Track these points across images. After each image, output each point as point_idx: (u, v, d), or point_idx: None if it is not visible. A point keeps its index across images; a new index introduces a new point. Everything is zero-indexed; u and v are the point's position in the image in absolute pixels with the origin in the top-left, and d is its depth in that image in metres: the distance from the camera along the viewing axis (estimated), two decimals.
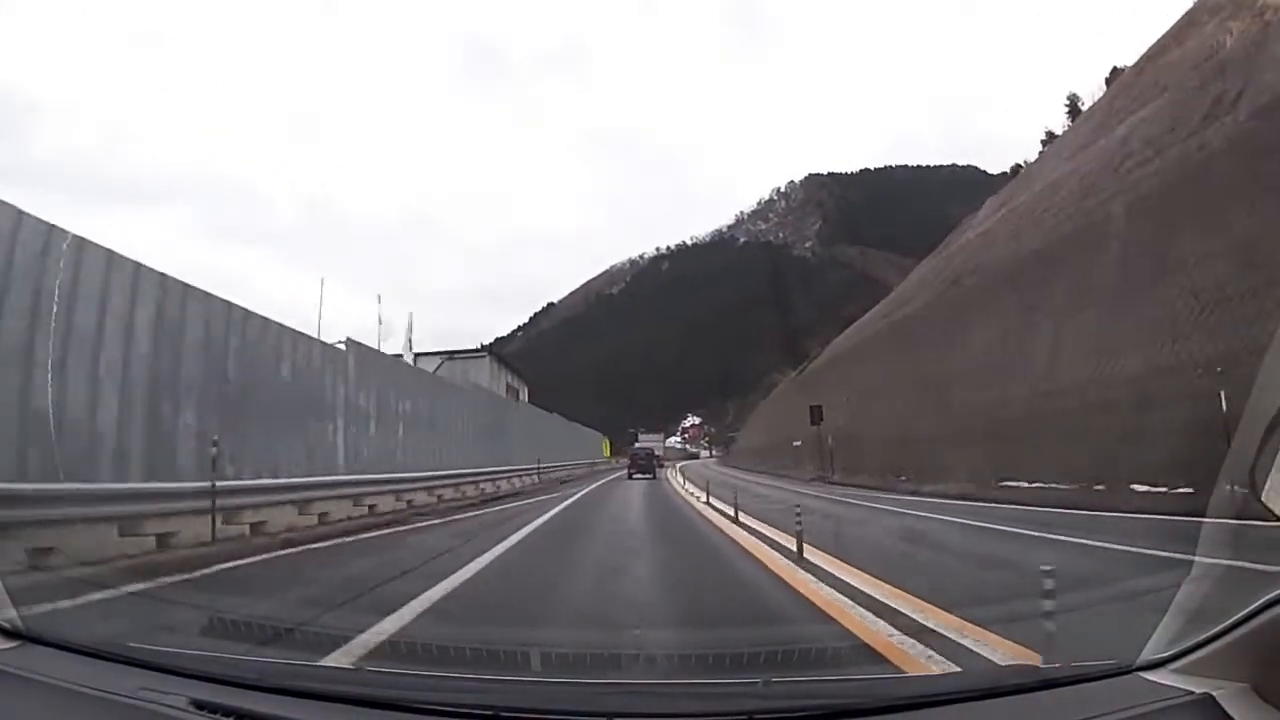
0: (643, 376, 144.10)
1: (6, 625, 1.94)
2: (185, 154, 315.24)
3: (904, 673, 3.22)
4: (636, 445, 47.39)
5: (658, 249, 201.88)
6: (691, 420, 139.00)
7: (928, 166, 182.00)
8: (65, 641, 1.96)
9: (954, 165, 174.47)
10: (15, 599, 2.12)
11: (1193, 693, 1.44)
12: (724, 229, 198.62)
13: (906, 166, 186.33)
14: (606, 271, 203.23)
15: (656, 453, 41.26)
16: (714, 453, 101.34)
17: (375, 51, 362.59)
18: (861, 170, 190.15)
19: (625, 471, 35.43)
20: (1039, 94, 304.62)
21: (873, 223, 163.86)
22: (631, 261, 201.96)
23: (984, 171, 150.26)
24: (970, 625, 3.94)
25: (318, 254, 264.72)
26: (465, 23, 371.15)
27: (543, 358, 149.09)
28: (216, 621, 3.78)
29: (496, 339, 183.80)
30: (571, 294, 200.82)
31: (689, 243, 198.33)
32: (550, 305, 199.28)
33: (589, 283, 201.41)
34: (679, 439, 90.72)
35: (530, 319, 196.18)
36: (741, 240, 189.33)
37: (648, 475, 32.33)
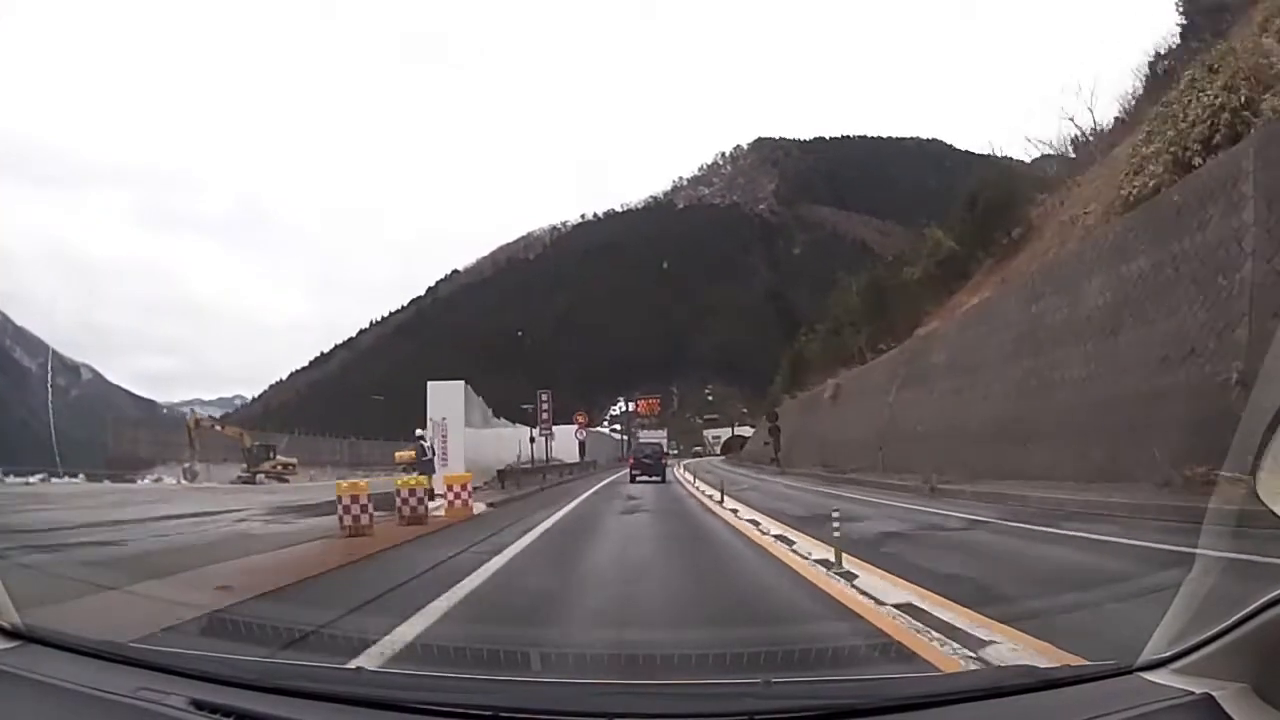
0: (562, 352, 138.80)
1: (6, 625, 2.06)
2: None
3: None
4: (641, 441, 51.05)
5: (583, 216, 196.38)
6: (623, 406, 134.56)
7: (888, 137, 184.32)
8: (65, 641, 2.11)
9: (918, 138, 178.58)
10: (15, 599, 2.24)
11: (1193, 693, 1.60)
12: (660, 195, 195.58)
13: (865, 137, 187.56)
14: (524, 237, 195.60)
15: (664, 449, 43.47)
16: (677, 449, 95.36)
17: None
18: (816, 139, 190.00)
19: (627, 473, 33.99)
20: (1004, 74, 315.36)
21: (843, 185, 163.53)
22: (553, 227, 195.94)
23: (950, 145, 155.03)
24: None
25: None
26: None
27: (434, 326, 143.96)
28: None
29: (392, 312, 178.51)
30: (480, 260, 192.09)
31: (619, 209, 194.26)
32: (455, 272, 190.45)
33: (502, 248, 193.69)
34: (608, 429, 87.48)
35: (428, 289, 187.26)
36: (681, 205, 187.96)
37: (655, 478, 30.79)
